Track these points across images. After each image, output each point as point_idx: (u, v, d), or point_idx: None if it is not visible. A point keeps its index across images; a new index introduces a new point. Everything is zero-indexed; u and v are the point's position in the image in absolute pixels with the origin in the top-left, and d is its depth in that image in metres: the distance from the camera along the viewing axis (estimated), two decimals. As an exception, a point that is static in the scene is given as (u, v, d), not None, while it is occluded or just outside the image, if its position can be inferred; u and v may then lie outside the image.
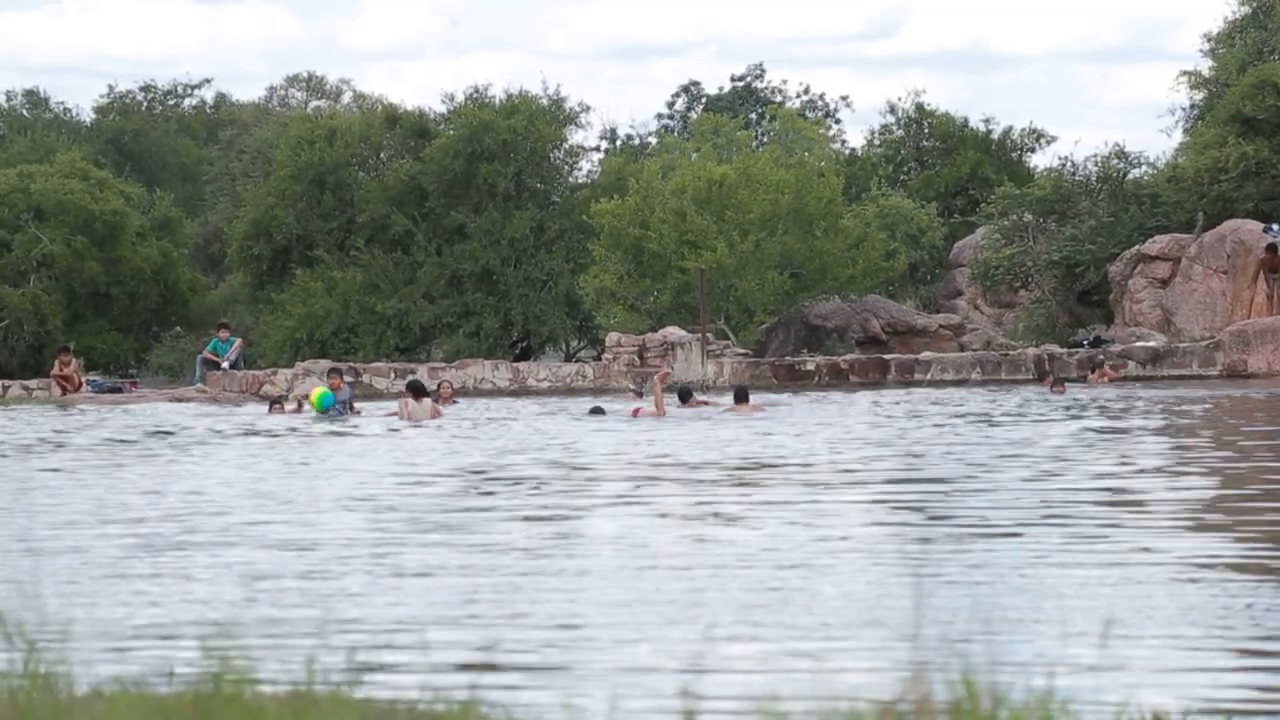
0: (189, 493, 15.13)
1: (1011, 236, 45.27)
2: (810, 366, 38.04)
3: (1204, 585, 9.05)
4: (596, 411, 27.23)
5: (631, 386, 35.44)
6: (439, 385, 32.60)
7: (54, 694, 5.44)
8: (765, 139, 68.00)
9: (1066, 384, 32.22)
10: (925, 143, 56.22)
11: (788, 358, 40.11)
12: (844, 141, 73.72)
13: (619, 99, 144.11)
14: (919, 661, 7.14)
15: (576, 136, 53.81)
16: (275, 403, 30.44)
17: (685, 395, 28.45)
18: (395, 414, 26.81)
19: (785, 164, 47.07)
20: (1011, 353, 38.38)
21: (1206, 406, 26.46)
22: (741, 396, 27.39)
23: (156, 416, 28.98)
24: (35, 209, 52.26)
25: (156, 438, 23.42)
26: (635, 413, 26.73)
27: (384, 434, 23.75)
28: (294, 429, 24.92)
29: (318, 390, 28.45)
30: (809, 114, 74.88)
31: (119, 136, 73.92)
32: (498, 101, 52.10)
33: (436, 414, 26.59)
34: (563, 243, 50.38)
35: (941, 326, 44.66)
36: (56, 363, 37.10)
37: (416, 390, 27.20)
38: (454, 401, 31.28)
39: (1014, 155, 55.75)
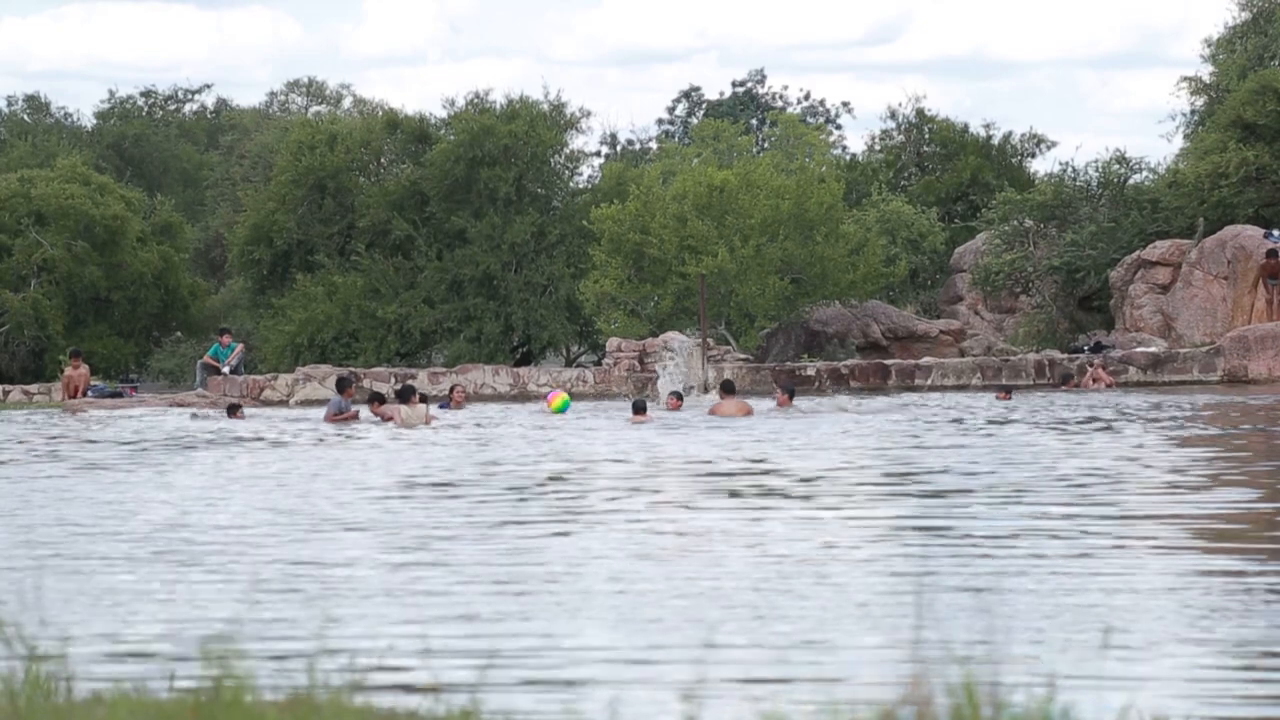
0: (187, 499, 15.12)
1: (1012, 242, 45.26)
2: (811, 372, 38.03)
3: (1205, 593, 9.04)
4: (639, 408, 26.99)
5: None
6: (451, 390, 32.58)
7: (54, 699, 5.43)
8: (766, 144, 68.06)
9: (1014, 391, 32.41)
10: (926, 148, 56.18)
11: (788, 363, 40.09)
12: (844, 147, 73.86)
13: (620, 105, 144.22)
14: (920, 666, 7.13)
15: (577, 142, 53.87)
16: (234, 409, 29.47)
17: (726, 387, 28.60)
18: (390, 420, 26.66)
19: (786, 169, 47.12)
20: (1012, 358, 38.36)
21: (1182, 413, 26.42)
22: (728, 389, 27.68)
23: (156, 422, 28.96)
24: (36, 214, 52.23)
25: (155, 444, 23.40)
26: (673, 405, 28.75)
27: (378, 441, 23.71)
28: (283, 436, 24.89)
29: (559, 400, 29.64)
30: (810, 119, 74.98)
31: (120, 141, 73.92)
32: (498, 106, 52.11)
33: (430, 419, 26.54)
34: (563, 248, 50.39)
35: (942, 332, 44.63)
36: (70, 366, 36.66)
37: (408, 395, 27.02)
38: (464, 407, 31.24)
39: (1015, 161, 55.72)
